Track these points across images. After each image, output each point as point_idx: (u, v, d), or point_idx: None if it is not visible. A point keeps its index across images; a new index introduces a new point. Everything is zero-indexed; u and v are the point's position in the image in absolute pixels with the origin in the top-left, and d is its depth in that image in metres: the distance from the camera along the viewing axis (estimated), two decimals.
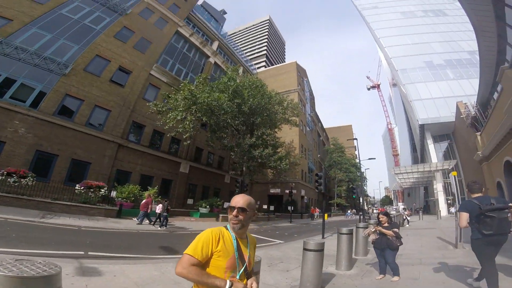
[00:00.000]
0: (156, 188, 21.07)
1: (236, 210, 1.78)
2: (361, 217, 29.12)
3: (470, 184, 4.50)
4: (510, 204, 3.89)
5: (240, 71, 43.31)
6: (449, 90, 44.86)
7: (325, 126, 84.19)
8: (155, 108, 22.04)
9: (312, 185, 46.48)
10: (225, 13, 56.85)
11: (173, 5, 34.58)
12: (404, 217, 23.06)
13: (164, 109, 22.11)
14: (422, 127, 44.79)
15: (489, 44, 20.16)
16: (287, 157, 28.55)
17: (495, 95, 22.33)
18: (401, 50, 55.89)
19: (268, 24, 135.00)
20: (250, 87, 24.46)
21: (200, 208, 24.73)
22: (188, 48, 34.22)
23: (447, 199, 39.67)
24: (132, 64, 24.58)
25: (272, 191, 41.59)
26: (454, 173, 36.65)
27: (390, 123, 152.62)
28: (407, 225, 22.02)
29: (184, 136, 21.94)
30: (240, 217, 1.78)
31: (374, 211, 68.84)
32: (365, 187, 72.22)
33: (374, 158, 45.30)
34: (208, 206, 24.72)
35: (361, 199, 36.99)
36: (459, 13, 58.59)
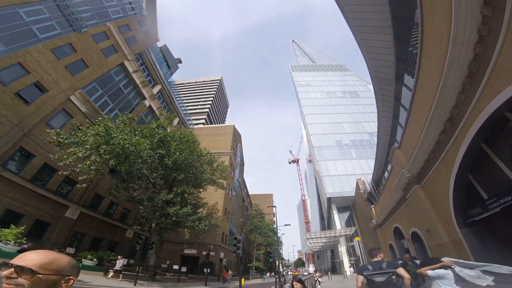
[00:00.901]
0: (22, 228, 16.00)
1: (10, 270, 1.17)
2: (277, 279, 28.05)
3: (370, 250, 5.10)
4: (394, 270, 4.37)
5: (175, 121, 41.75)
6: (352, 168, 52.16)
7: (250, 193, 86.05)
8: (55, 138, 17.74)
9: (232, 248, 43.58)
10: (180, 62, 56.92)
11: (132, 38, 33.46)
12: (316, 279, 23.09)
13: (66, 142, 18.02)
14: (329, 199, 50.30)
15: (385, 125, 24.52)
16: (207, 219, 26.29)
17: (386, 174, 26.00)
18: (320, 128, 63.19)
19: (218, 83, 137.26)
20: (180, 140, 22.86)
21: (83, 259, 19.22)
22: (126, 83, 31.49)
23: (350, 260, 43.39)
24: (53, 83, 21.02)
25: (187, 251, 37.27)
26: (358, 238, 39.85)
27: (304, 195, 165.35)
28: (319, 286, 21.70)
29: (79, 178, 18.11)
30: (21, 280, 1.16)
31: (289, 273, 73.86)
32: (281, 251, 73.76)
33: (290, 224, 47.23)
34: (95, 259, 19.52)
35: (277, 262, 36.26)
36: (368, 95, 73.12)
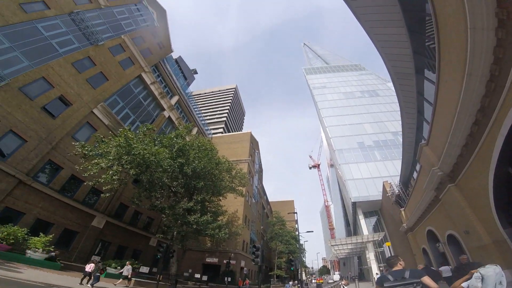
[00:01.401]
0: (50, 236, 16.48)
1: None
2: None
3: (387, 259, 4.79)
4: (419, 280, 3.98)
5: (194, 131, 42.54)
6: (377, 171, 49.49)
7: (269, 200, 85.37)
8: (80, 150, 18.55)
9: (251, 256, 43.07)
10: (196, 72, 58.01)
11: (146, 49, 34.49)
12: (342, 287, 22.17)
13: (91, 154, 18.72)
14: (354, 204, 47.72)
15: (410, 121, 23.18)
16: (227, 226, 25.96)
17: (415, 175, 24.46)
18: (340, 130, 61.07)
19: (233, 92, 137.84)
20: (199, 149, 23.01)
21: (107, 267, 19.61)
22: (145, 95, 32.42)
23: (379, 267, 40.57)
24: (77, 96, 22.02)
25: (208, 260, 37.11)
26: (388, 243, 37.94)
27: (327, 201, 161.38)
28: None
29: (103, 188, 18.51)
30: None
31: (313, 281, 72.49)
32: (304, 258, 71.66)
33: (312, 231, 45.67)
34: (119, 267, 19.77)
35: (299, 270, 35.04)
36: (389, 93, 70.14)
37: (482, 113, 9.54)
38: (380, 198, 41.83)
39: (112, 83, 26.47)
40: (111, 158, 18.15)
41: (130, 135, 19.10)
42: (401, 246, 31.86)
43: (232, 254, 36.30)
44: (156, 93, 33.68)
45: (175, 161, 20.72)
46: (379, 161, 51.80)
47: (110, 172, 17.94)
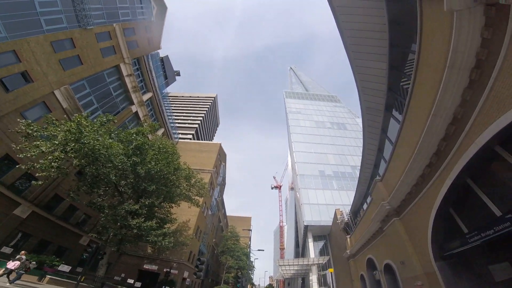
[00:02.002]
0: None
1: None
2: None
3: None
4: None
5: (160, 132, 39.97)
6: (332, 198, 51.74)
7: (228, 214, 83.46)
8: (24, 129, 15.83)
9: (194, 269, 41.28)
10: (178, 74, 55.87)
11: (134, 41, 32.78)
12: None
13: (35, 134, 16.08)
14: (306, 227, 49.21)
15: (370, 158, 24.19)
16: (174, 235, 24.05)
17: (365, 206, 25.40)
18: (305, 157, 62.73)
19: (212, 101, 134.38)
20: (159, 150, 21.37)
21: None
22: (116, 86, 30.11)
23: None
24: (42, 75, 19.92)
25: (146, 266, 34.15)
26: (331, 270, 38.51)
27: (282, 221, 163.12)
28: None
29: (37, 174, 16.18)
30: None
31: None
32: (252, 276, 70.19)
33: (263, 250, 45.40)
34: (34, 262, 16.83)
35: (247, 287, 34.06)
36: (355, 129, 74.02)
37: (437, 156, 10.01)
38: (330, 224, 43.52)
39: (86, 68, 24.66)
40: (56, 142, 15.92)
41: (84, 122, 17.07)
42: (343, 271, 32.84)
43: (175, 264, 33.98)
44: (129, 86, 31.62)
45: (129, 159, 18.99)
46: (335, 190, 54.20)
47: (50, 158, 15.64)
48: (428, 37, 8.88)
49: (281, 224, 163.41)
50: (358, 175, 28.96)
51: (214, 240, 60.67)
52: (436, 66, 8.52)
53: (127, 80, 31.04)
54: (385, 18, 14.49)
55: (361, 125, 23.96)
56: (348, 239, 28.70)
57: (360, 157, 26.81)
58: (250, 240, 37.69)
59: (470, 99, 7.77)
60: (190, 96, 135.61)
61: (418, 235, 11.97)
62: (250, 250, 35.52)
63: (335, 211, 38.68)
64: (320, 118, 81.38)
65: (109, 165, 17.72)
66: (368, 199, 23.43)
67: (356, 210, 31.39)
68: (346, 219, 32.75)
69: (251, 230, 37.50)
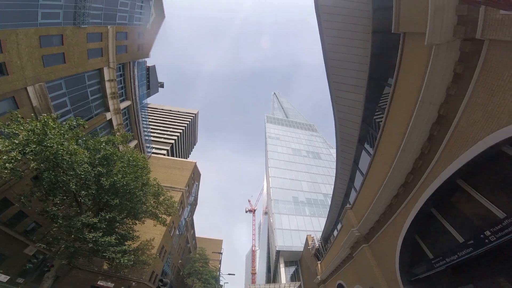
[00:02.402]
0: None
1: None
2: None
3: None
4: None
5: (132, 144, 38.08)
6: (304, 224, 52.15)
7: (198, 235, 79.95)
8: None
9: None
10: (162, 86, 54.55)
11: (123, 46, 32.11)
12: None
13: None
14: (278, 252, 48.79)
15: (341, 186, 24.69)
16: (135, 253, 22.22)
17: (335, 233, 25.77)
18: (280, 182, 63.48)
19: (193, 117, 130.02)
20: (128, 163, 20.00)
21: None
22: (95, 90, 28.82)
23: None
24: (19, 69, 18.99)
25: (101, 283, 31.11)
26: None
27: (255, 245, 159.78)
28: None
29: None
30: None
31: None
32: None
33: (234, 274, 43.62)
34: None
35: None
36: (329, 159, 77.01)
37: (404, 188, 10.45)
38: (302, 249, 43.36)
39: (67, 67, 23.71)
40: (16, 142, 14.59)
41: (52, 124, 15.86)
42: None
43: (135, 283, 31.41)
44: (108, 91, 30.36)
45: (93, 169, 17.66)
46: (307, 216, 54.90)
47: (5, 158, 14.14)
48: (405, 70, 9.51)
49: (253, 249, 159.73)
50: (329, 203, 29.59)
51: (180, 261, 57.40)
52: (409, 100, 9.11)
53: (107, 85, 29.93)
54: (369, 51, 15.40)
55: (335, 156, 24.79)
56: (319, 265, 28.72)
57: (332, 186, 27.53)
58: (220, 264, 36.00)
59: (437, 134, 8.31)
60: (170, 110, 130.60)
61: (386, 261, 12.15)
62: (220, 274, 33.90)
63: (307, 237, 38.76)
64: (297, 145, 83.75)
65: (71, 173, 16.37)
66: (339, 226, 23.89)
67: (326, 237, 31.60)
68: (317, 245, 32.85)
69: (221, 253, 36.00)
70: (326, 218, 31.60)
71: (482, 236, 6.62)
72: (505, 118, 5.76)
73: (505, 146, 6.37)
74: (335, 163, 25.66)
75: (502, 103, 5.85)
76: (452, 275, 8.82)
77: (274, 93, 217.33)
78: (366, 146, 19.27)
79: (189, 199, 52.10)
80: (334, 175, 26.28)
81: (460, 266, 8.09)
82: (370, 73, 16.02)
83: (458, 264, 7.87)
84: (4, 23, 17.39)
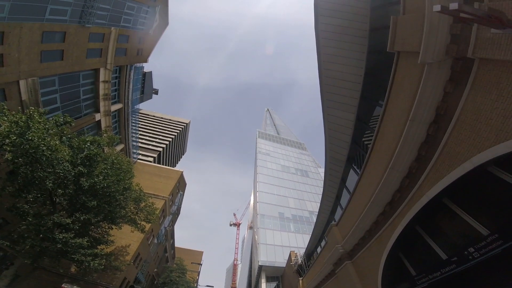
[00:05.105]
0: None
1: None
2: None
3: None
4: None
5: (119, 148, 36.66)
6: (288, 240, 51.59)
7: (178, 245, 76.89)
8: None
9: None
10: (156, 93, 53.76)
11: (124, 49, 31.72)
12: None
13: None
14: (260, 267, 47.66)
15: (327, 203, 24.44)
16: (107, 258, 20.81)
17: (319, 249, 25.29)
18: (268, 197, 62.95)
19: (184, 126, 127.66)
20: (112, 165, 19.17)
21: None
22: (87, 90, 27.84)
23: None
24: (15, 61, 18.34)
25: (65, 286, 28.91)
26: None
27: (237, 259, 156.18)
28: None
29: None
30: None
31: None
32: None
33: (213, 287, 41.49)
34: None
35: None
36: (317, 177, 77.45)
37: (390, 205, 10.36)
38: (285, 265, 42.50)
39: (64, 65, 23.11)
40: None
41: (37, 117, 15.12)
42: None
43: None
44: (101, 92, 29.40)
45: (74, 168, 16.68)
46: (292, 233, 54.39)
47: None
48: (397, 89, 9.61)
49: (235, 262, 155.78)
50: (314, 220, 29.31)
51: (156, 270, 54.84)
52: (399, 119, 9.16)
53: (101, 86, 29.09)
54: (363, 70, 15.64)
55: (322, 175, 24.71)
56: (301, 281, 28.03)
57: (318, 204, 27.35)
58: (198, 275, 34.52)
59: (425, 154, 8.33)
60: (162, 118, 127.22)
61: (369, 277, 11.89)
62: (197, 285, 32.40)
63: (290, 253, 38.14)
64: (286, 162, 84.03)
65: (49, 170, 15.37)
66: (323, 243, 23.46)
67: (310, 253, 31.11)
68: (300, 261, 32.25)
69: (201, 264, 34.55)
70: (310, 235, 31.13)
71: (466, 253, 6.54)
72: (492, 138, 5.81)
73: (490, 166, 6.40)
74: (322, 181, 25.59)
75: (489, 123, 5.92)
76: None
77: (268, 109, 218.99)
78: (355, 166, 19.32)
79: (172, 208, 50.37)
80: (321, 193, 26.15)
81: (442, 283, 7.94)
82: (362, 93, 16.25)
83: (441, 280, 7.74)
84: (13, 15, 17.37)
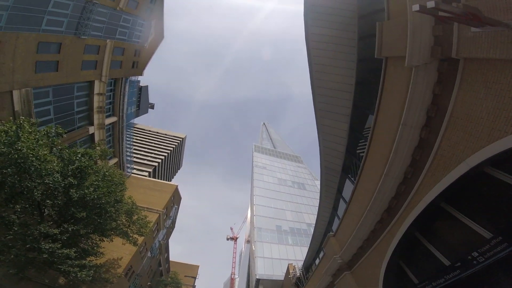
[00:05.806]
0: None
1: None
2: None
3: None
4: None
5: (112, 162, 35.89)
6: (286, 253, 50.46)
7: (173, 259, 74.26)
8: None
9: None
10: (152, 107, 53.27)
11: (118, 62, 31.52)
12: None
13: None
14: (258, 281, 46.42)
15: (324, 215, 24.03)
16: (96, 269, 20.00)
17: (317, 261, 24.71)
18: (265, 211, 62.17)
19: (180, 141, 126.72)
20: (103, 178, 18.76)
21: None
22: (81, 102, 27.48)
23: None
24: (10, 71, 18.22)
25: None
26: None
27: (234, 273, 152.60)
28: None
29: None
30: None
31: None
32: None
33: None
34: None
35: None
36: (313, 190, 76.73)
37: (388, 213, 10.16)
38: (283, 278, 41.42)
39: (58, 76, 22.90)
40: None
41: (28, 127, 14.83)
42: None
43: None
44: (95, 104, 29.07)
45: (64, 180, 16.29)
46: (289, 245, 53.37)
47: None
48: (387, 95, 9.63)
49: (232, 277, 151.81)
50: (312, 232, 28.74)
51: (149, 283, 52.87)
52: (391, 125, 9.13)
53: (95, 98, 28.77)
54: (353, 78, 15.78)
55: (319, 187, 24.41)
56: None
57: (315, 216, 26.91)
58: None
59: (420, 158, 8.25)
60: (158, 132, 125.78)
61: (369, 287, 11.49)
62: None
63: (288, 266, 37.25)
64: (283, 176, 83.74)
65: (38, 181, 14.98)
66: (321, 255, 22.91)
67: (308, 266, 30.40)
68: (298, 274, 31.46)
69: (195, 277, 33.06)
70: (308, 247, 30.50)
71: (469, 257, 6.30)
72: (485, 137, 5.75)
73: (487, 166, 6.28)
74: (318, 194, 25.22)
75: (480, 122, 5.89)
76: None
77: (264, 123, 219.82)
78: (350, 176, 19.17)
79: (167, 222, 49.22)
80: (318, 205, 25.75)
81: None
82: (354, 102, 16.36)
83: (445, 287, 7.42)
84: (10, 25, 17.36)
